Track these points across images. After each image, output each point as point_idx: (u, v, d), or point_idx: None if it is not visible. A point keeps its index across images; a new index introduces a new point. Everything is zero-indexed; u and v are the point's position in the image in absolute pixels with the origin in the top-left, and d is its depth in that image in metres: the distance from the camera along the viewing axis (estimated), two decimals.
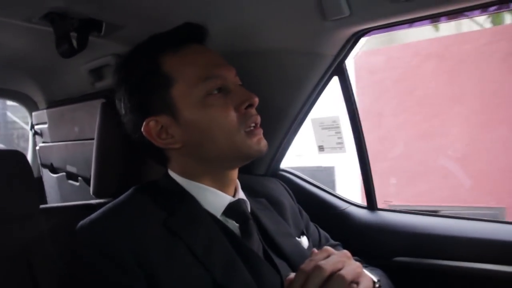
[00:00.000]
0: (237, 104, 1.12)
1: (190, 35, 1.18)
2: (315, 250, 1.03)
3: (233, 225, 1.16)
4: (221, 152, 1.13)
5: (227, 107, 1.11)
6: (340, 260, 0.97)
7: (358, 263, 1.00)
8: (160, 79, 1.12)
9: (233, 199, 1.18)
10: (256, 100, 1.14)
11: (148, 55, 1.15)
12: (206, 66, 1.13)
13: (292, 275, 0.97)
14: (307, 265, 0.95)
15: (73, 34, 1.43)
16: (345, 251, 1.03)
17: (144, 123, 1.14)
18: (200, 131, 1.12)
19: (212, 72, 1.12)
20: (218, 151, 1.13)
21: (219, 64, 1.16)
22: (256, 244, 1.17)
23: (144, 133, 1.14)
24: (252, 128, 1.13)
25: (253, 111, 1.14)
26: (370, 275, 1.01)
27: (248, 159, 1.18)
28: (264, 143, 1.16)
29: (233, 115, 1.11)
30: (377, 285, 1.02)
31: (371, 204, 1.76)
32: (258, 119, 1.15)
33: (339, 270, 0.94)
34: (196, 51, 1.16)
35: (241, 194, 1.22)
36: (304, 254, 1.24)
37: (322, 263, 0.94)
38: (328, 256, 0.98)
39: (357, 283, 0.96)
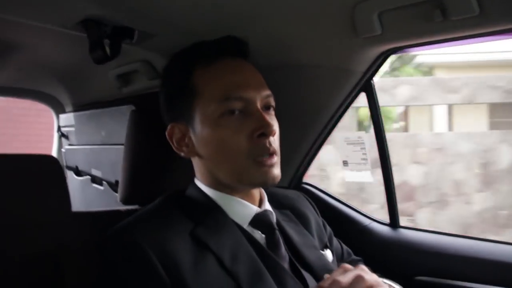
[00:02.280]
0: (250, 130, 1.10)
1: (230, 48, 1.18)
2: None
3: (259, 235, 1.17)
4: (227, 174, 1.14)
5: (239, 131, 1.10)
6: (357, 273, 0.97)
7: (375, 275, 1.00)
8: (187, 89, 1.15)
9: (259, 210, 1.19)
10: (272, 130, 1.11)
11: (183, 63, 1.18)
12: (230, 85, 1.12)
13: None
14: (325, 282, 0.96)
15: (106, 41, 1.45)
16: (362, 266, 1.03)
17: (168, 127, 1.18)
18: (209, 149, 1.13)
19: (232, 93, 1.11)
20: (224, 172, 1.14)
21: (248, 84, 1.14)
22: (282, 255, 1.17)
23: (167, 136, 1.19)
24: (262, 158, 1.11)
25: (266, 140, 1.10)
26: (389, 282, 1.01)
27: (253, 187, 1.18)
28: (272, 176, 1.12)
29: (243, 141, 1.10)
30: None
31: (394, 221, 1.75)
32: (272, 149, 1.11)
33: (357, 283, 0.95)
34: (228, 68, 1.16)
35: (267, 205, 1.23)
36: (329, 267, 1.24)
37: (339, 278, 0.95)
38: (345, 272, 0.98)
39: None
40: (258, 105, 1.13)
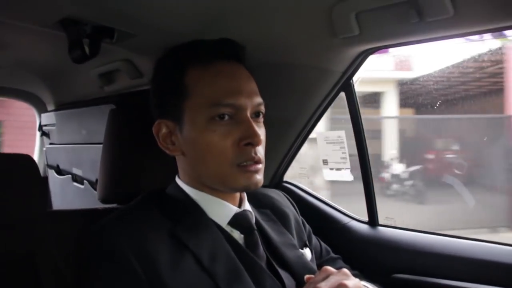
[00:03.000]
0: (237, 138, 1.10)
1: (226, 51, 1.17)
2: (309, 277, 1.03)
3: (238, 235, 1.17)
4: (209, 177, 1.14)
5: (226, 137, 1.10)
6: (338, 279, 0.98)
7: (357, 280, 1.00)
8: (179, 88, 1.14)
9: (238, 210, 1.19)
10: (260, 140, 1.11)
11: (177, 61, 1.17)
12: (222, 91, 1.12)
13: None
14: (306, 287, 0.97)
15: (86, 40, 1.44)
16: (344, 270, 1.04)
17: (156, 123, 1.18)
18: (196, 150, 1.13)
19: (224, 100, 1.10)
20: (207, 174, 1.14)
21: (240, 92, 1.13)
22: (261, 255, 1.18)
23: (153, 131, 1.18)
24: (246, 164, 1.11)
25: (252, 149, 1.11)
26: (369, 286, 1.02)
27: (235, 191, 1.18)
28: (255, 181, 1.12)
29: (228, 147, 1.10)
30: None
31: (372, 219, 1.77)
32: (257, 158, 1.12)
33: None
34: (222, 72, 1.15)
35: (246, 205, 1.23)
36: (307, 266, 1.25)
37: (321, 285, 0.96)
38: (327, 277, 0.99)
39: None
40: (248, 113, 1.13)
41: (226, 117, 1.11)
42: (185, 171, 1.20)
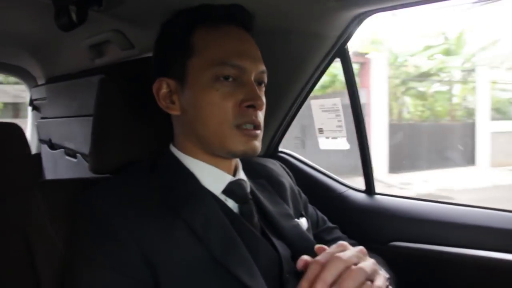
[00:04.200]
0: (239, 99, 1.10)
1: (236, 16, 1.16)
2: (321, 247, 1.00)
3: (232, 204, 1.16)
4: (209, 137, 1.12)
5: (228, 97, 1.09)
6: (356, 255, 0.95)
7: (373, 260, 0.98)
8: (185, 46, 1.13)
9: (233, 179, 1.18)
10: (261, 103, 1.11)
11: (187, 20, 1.16)
12: (229, 52, 1.11)
13: (306, 257, 0.96)
14: (323, 257, 0.94)
15: (72, 8, 1.41)
16: (361, 248, 1.01)
17: (156, 81, 1.17)
18: (197, 109, 1.12)
19: (230, 60, 1.10)
20: (207, 135, 1.12)
21: (246, 54, 1.13)
22: (255, 224, 1.17)
23: (153, 90, 1.17)
24: (247, 128, 1.11)
25: (253, 112, 1.10)
26: (383, 273, 1.00)
27: (233, 156, 1.17)
28: (253, 146, 1.12)
29: (229, 107, 1.09)
30: (387, 283, 1.01)
31: (369, 188, 1.76)
32: (257, 121, 1.11)
33: (355, 264, 0.93)
34: (230, 34, 1.14)
35: (241, 174, 1.22)
36: (303, 235, 1.25)
37: (340, 254, 0.93)
38: (344, 250, 0.97)
39: (372, 281, 0.94)
40: (252, 77, 1.13)
41: (230, 78, 1.10)
42: (182, 133, 1.19)
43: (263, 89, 1.18)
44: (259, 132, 1.13)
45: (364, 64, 10.43)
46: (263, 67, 1.16)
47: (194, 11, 1.16)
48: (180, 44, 1.14)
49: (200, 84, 1.11)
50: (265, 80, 1.18)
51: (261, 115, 1.13)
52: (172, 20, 1.19)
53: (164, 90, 1.16)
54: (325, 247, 1.00)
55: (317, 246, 1.01)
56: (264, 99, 1.14)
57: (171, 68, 1.15)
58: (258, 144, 1.13)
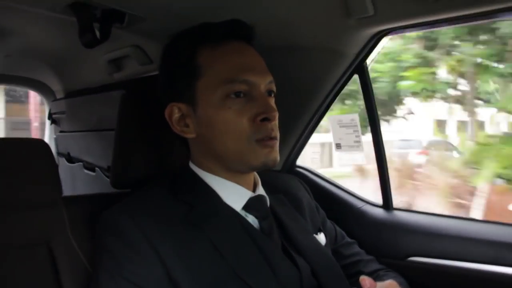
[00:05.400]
0: (253, 114, 1.10)
1: (236, 32, 1.17)
2: (367, 280, 1.00)
3: (252, 220, 1.17)
4: (228, 155, 1.13)
5: (242, 113, 1.10)
6: None
7: None
8: (190, 68, 1.13)
9: (253, 195, 1.18)
10: (275, 115, 1.11)
11: (188, 42, 1.16)
12: (236, 68, 1.12)
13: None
14: None
15: (96, 25, 1.43)
16: None
17: (168, 107, 1.17)
18: (212, 130, 1.12)
19: (238, 76, 1.10)
20: (226, 153, 1.13)
21: (252, 68, 1.14)
22: (275, 239, 1.17)
23: (166, 116, 1.17)
24: (264, 140, 1.11)
25: (269, 124, 1.11)
26: None
27: (253, 169, 1.17)
28: (273, 157, 1.12)
29: (245, 123, 1.10)
30: None
31: (387, 203, 1.75)
32: (273, 133, 1.12)
33: None
34: (234, 50, 1.15)
35: (261, 190, 1.22)
36: (322, 251, 1.25)
37: None
38: None
39: None
40: (262, 89, 1.13)
41: (241, 95, 1.11)
42: (200, 154, 1.19)
43: (273, 99, 1.18)
44: (276, 142, 1.14)
45: None
46: (270, 77, 1.16)
47: (195, 32, 1.17)
48: (185, 67, 1.14)
49: (212, 104, 1.11)
50: (274, 89, 1.18)
51: (275, 126, 1.14)
52: (173, 43, 1.20)
53: (176, 115, 1.16)
54: (370, 280, 1.00)
55: (362, 277, 1.00)
56: (276, 110, 1.13)
57: (180, 92, 1.15)
58: (276, 154, 1.13)
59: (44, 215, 1.20)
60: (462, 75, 6.08)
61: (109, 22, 1.45)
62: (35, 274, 1.15)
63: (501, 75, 5.36)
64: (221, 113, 1.10)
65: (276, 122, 1.14)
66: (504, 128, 6.52)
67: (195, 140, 1.18)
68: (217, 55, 1.13)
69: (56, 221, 1.21)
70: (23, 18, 1.71)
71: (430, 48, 5.73)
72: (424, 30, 1.39)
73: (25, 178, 1.18)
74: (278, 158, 1.14)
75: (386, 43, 1.53)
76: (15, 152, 1.19)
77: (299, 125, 1.77)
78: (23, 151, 1.20)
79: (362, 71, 1.61)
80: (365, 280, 0.99)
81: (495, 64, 5.29)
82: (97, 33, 1.42)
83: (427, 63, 5.79)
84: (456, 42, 5.60)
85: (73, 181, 2.65)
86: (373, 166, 1.73)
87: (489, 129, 6.96)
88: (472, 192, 4.94)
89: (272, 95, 1.18)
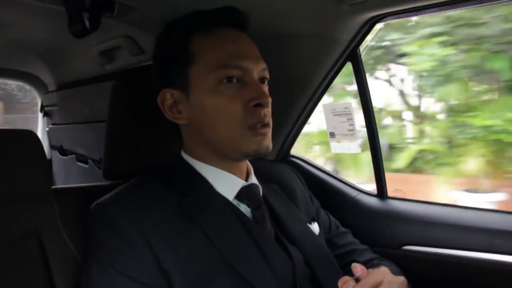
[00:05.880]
0: (246, 99, 1.10)
1: (229, 19, 1.17)
2: (358, 267, 1.00)
3: (245, 209, 1.16)
4: (220, 141, 1.13)
5: (235, 99, 1.10)
6: None
7: None
8: (184, 55, 1.13)
9: (245, 183, 1.18)
10: (267, 100, 1.11)
11: (181, 29, 1.16)
12: (229, 54, 1.11)
13: (347, 278, 0.96)
14: (366, 284, 0.95)
15: (85, 14, 1.41)
16: (403, 279, 1.05)
17: (160, 93, 1.17)
18: (205, 116, 1.12)
19: (231, 61, 1.10)
20: (218, 139, 1.13)
21: (245, 55, 1.13)
22: (268, 228, 1.17)
23: (158, 102, 1.17)
24: (257, 127, 1.11)
25: (262, 110, 1.10)
26: None
27: (245, 156, 1.17)
28: (265, 144, 1.12)
29: (238, 109, 1.09)
30: None
31: (381, 192, 1.75)
32: (266, 119, 1.12)
33: None
34: (227, 37, 1.15)
35: (253, 179, 1.22)
36: (315, 240, 1.25)
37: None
38: (380, 283, 0.98)
39: None
40: (255, 76, 1.13)
41: (234, 80, 1.10)
42: (192, 141, 1.19)
43: (267, 86, 1.18)
44: (269, 130, 1.13)
45: None
46: (263, 65, 1.16)
47: (188, 19, 1.17)
48: (178, 53, 1.14)
49: (204, 90, 1.11)
50: (267, 76, 1.18)
51: (268, 113, 1.13)
52: (167, 30, 1.20)
53: (169, 101, 1.16)
54: (362, 267, 1.00)
55: (353, 264, 1.00)
56: (269, 96, 1.13)
57: (173, 79, 1.15)
58: (269, 142, 1.13)
59: (34, 206, 1.19)
60: None
61: (99, 12, 1.42)
62: (26, 267, 1.14)
63: None
64: (214, 99, 1.10)
65: (269, 108, 1.13)
66: None
67: (187, 127, 1.18)
68: (210, 42, 1.13)
69: (46, 212, 1.20)
70: (12, 9, 1.69)
71: None
72: (417, 16, 1.38)
73: (14, 170, 1.17)
74: (271, 145, 1.14)
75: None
76: (4, 144, 1.17)
77: (293, 114, 1.77)
78: (12, 142, 1.19)
79: (355, 58, 1.60)
80: (356, 267, 0.99)
81: None
82: (87, 23, 1.40)
83: None
84: None
85: (66, 174, 2.64)
86: None
87: None
88: None
89: (266, 82, 1.17)
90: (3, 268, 1.11)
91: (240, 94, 1.10)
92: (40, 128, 3.12)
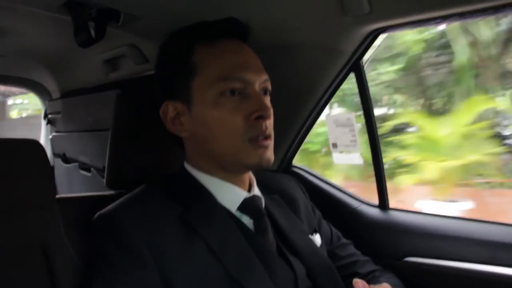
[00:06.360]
0: (248, 112, 1.10)
1: (231, 30, 1.17)
2: (360, 282, 1.01)
3: (247, 220, 1.16)
4: (222, 154, 1.12)
5: (237, 111, 1.09)
6: None
7: None
8: (186, 67, 1.13)
9: (248, 195, 1.18)
10: (269, 113, 1.11)
11: (184, 41, 1.16)
12: (231, 66, 1.11)
13: None
14: None
15: (91, 24, 1.42)
16: None
17: (162, 105, 1.16)
18: (207, 128, 1.11)
19: (232, 73, 1.10)
20: (220, 152, 1.12)
21: (247, 66, 1.13)
22: (270, 240, 1.17)
23: (160, 114, 1.17)
24: (258, 139, 1.10)
25: (263, 123, 1.10)
26: None
27: (247, 169, 1.17)
28: (267, 157, 1.12)
29: (239, 121, 1.09)
30: None
31: (383, 203, 1.75)
32: (267, 132, 1.11)
33: None
34: (228, 48, 1.14)
35: (256, 190, 1.22)
36: (316, 252, 1.24)
37: None
38: None
39: None
40: (257, 87, 1.12)
41: (236, 93, 1.10)
42: (195, 153, 1.19)
43: (269, 97, 1.17)
44: (271, 142, 1.13)
45: None
46: (265, 76, 1.16)
47: (190, 31, 1.17)
48: (181, 65, 1.14)
49: (206, 102, 1.10)
50: (269, 87, 1.17)
51: (270, 124, 1.13)
52: (169, 42, 1.20)
53: (171, 113, 1.16)
54: (364, 282, 1.01)
55: (355, 280, 1.01)
56: (271, 108, 1.13)
57: (175, 91, 1.15)
58: (271, 154, 1.13)
59: (38, 216, 1.18)
60: None
61: (104, 21, 1.43)
62: (30, 276, 1.13)
63: None
64: (216, 111, 1.10)
65: (271, 120, 1.13)
66: None
67: (189, 139, 1.18)
68: (212, 54, 1.13)
69: (50, 222, 1.19)
70: (18, 17, 1.70)
71: None
72: (420, 28, 1.38)
73: (18, 179, 1.17)
74: (273, 158, 1.14)
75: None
76: (8, 153, 1.17)
77: (296, 125, 1.77)
78: (17, 151, 1.19)
79: (358, 69, 1.60)
80: (358, 283, 1.00)
81: None
82: (92, 32, 1.41)
83: None
84: None
85: (69, 182, 2.65)
86: None
87: None
88: None
89: (268, 94, 1.17)
90: (7, 278, 1.10)
91: (241, 107, 1.10)
92: (43, 136, 3.13)
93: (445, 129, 6.03)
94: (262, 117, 1.10)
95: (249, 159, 1.11)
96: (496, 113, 6.03)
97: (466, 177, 6.00)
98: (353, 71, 1.61)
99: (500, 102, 5.95)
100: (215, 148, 1.12)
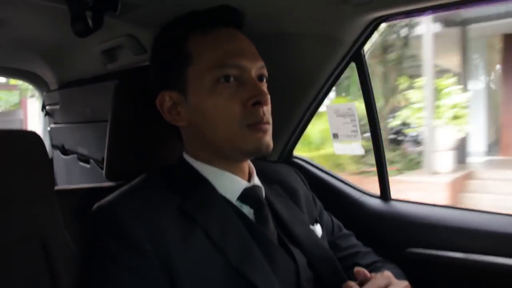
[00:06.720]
0: (244, 98, 1.09)
1: (225, 18, 1.16)
2: (361, 271, 1.03)
3: (248, 210, 1.15)
4: (220, 142, 1.11)
5: (233, 98, 1.09)
6: None
7: None
8: (181, 56, 1.12)
9: (248, 185, 1.17)
10: (266, 98, 1.10)
11: (178, 30, 1.15)
12: (226, 53, 1.10)
13: (351, 283, 0.98)
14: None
15: (88, 13, 1.41)
16: (407, 284, 1.06)
17: (159, 95, 1.16)
18: (204, 116, 1.11)
19: (228, 61, 1.09)
20: (218, 140, 1.12)
21: (242, 53, 1.12)
22: (271, 230, 1.16)
23: (157, 104, 1.16)
24: (256, 124, 1.09)
25: (261, 109, 1.09)
26: None
27: (246, 155, 1.16)
28: (266, 142, 1.11)
29: (237, 108, 1.08)
30: None
31: (385, 194, 1.74)
32: (265, 118, 1.10)
33: None
34: (224, 36, 1.14)
35: (256, 180, 1.21)
36: (317, 243, 1.24)
37: None
38: (388, 285, 1.00)
39: None
40: (253, 74, 1.12)
41: (232, 79, 1.09)
42: (193, 143, 1.18)
43: (265, 84, 1.16)
44: (269, 127, 1.12)
45: None
46: (261, 62, 1.15)
47: (185, 20, 1.16)
48: (176, 54, 1.13)
49: (202, 90, 1.10)
50: (266, 74, 1.17)
51: (268, 111, 1.12)
52: (163, 32, 1.19)
53: (168, 103, 1.15)
54: (365, 271, 1.02)
55: (356, 268, 1.03)
56: (268, 94, 1.12)
57: (171, 81, 1.15)
58: (269, 139, 1.12)
59: (36, 208, 1.18)
60: None
61: (102, 10, 1.41)
62: (29, 267, 1.13)
63: None
64: (212, 99, 1.09)
65: (269, 107, 1.12)
66: None
67: (187, 129, 1.17)
68: (206, 42, 1.12)
69: (49, 214, 1.19)
70: (14, 7, 1.69)
71: None
72: (421, 16, 1.37)
73: (17, 171, 1.16)
74: (271, 143, 1.13)
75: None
76: (6, 145, 1.17)
77: (296, 115, 1.76)
78: (15, 143, 1.18)
79: (359, 58, 1.59)
80: (359, 271, 0.99)
81: None
82: (90, 22, 1.40)
83: None
84: None
85: (68, 174, 2.64)
86: None
87: None
88: None
89: (264, 80, 1.16)
90: (6, 269, 1.10)
91: (238, 93, 1.09)
92: (41, 127, 3.12)
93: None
94: (259, 103, 1.09)
95: (248, 144, 1.10)
96: None
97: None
98: (354, 61, 1.60)
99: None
100: (213, 136, 1.12)
